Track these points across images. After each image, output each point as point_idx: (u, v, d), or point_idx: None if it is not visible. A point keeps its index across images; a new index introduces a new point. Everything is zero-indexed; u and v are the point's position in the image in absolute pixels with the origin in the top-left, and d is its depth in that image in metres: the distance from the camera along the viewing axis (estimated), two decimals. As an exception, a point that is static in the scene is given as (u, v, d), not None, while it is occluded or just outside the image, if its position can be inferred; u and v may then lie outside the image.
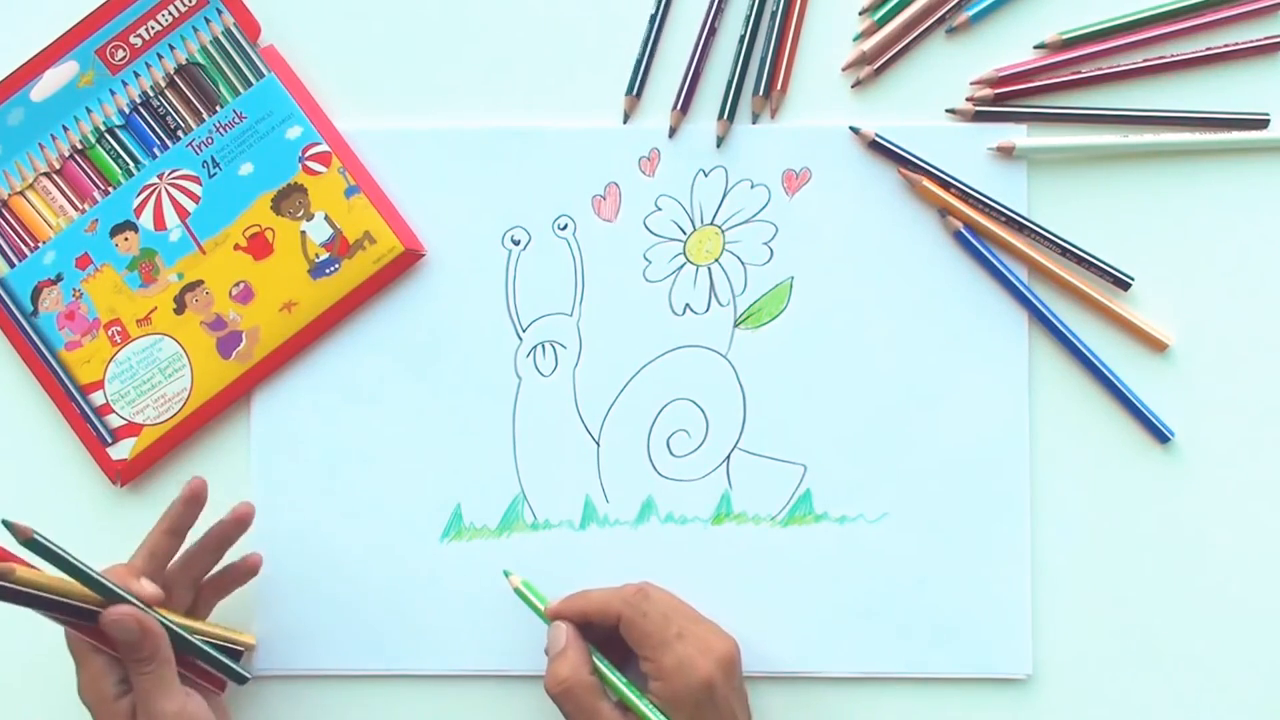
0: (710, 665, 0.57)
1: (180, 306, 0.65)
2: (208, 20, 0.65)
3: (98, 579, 0.55)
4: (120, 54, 0.65)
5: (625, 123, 0.66)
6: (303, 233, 0.65)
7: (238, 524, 0.61)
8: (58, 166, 0.65)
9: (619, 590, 0.60)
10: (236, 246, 0.65)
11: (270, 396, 0.65)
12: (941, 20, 0.65)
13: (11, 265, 0.65)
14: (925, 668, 0.64)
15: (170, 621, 0.58)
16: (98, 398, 0.65)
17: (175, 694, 0.56)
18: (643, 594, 0.59)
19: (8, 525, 0.52)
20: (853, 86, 0.66)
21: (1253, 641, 0.64)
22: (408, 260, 0.65)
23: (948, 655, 0.63)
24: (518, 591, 0.61)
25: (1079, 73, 0.65)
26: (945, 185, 0.64)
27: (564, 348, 0.65)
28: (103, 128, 0.65)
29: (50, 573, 0.55)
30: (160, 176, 0.65)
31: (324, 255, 0.64)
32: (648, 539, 0.64)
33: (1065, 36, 0.65)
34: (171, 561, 0.60)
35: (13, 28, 0.66)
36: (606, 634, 0.60)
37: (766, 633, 0.64)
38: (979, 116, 0.65)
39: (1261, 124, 0.65)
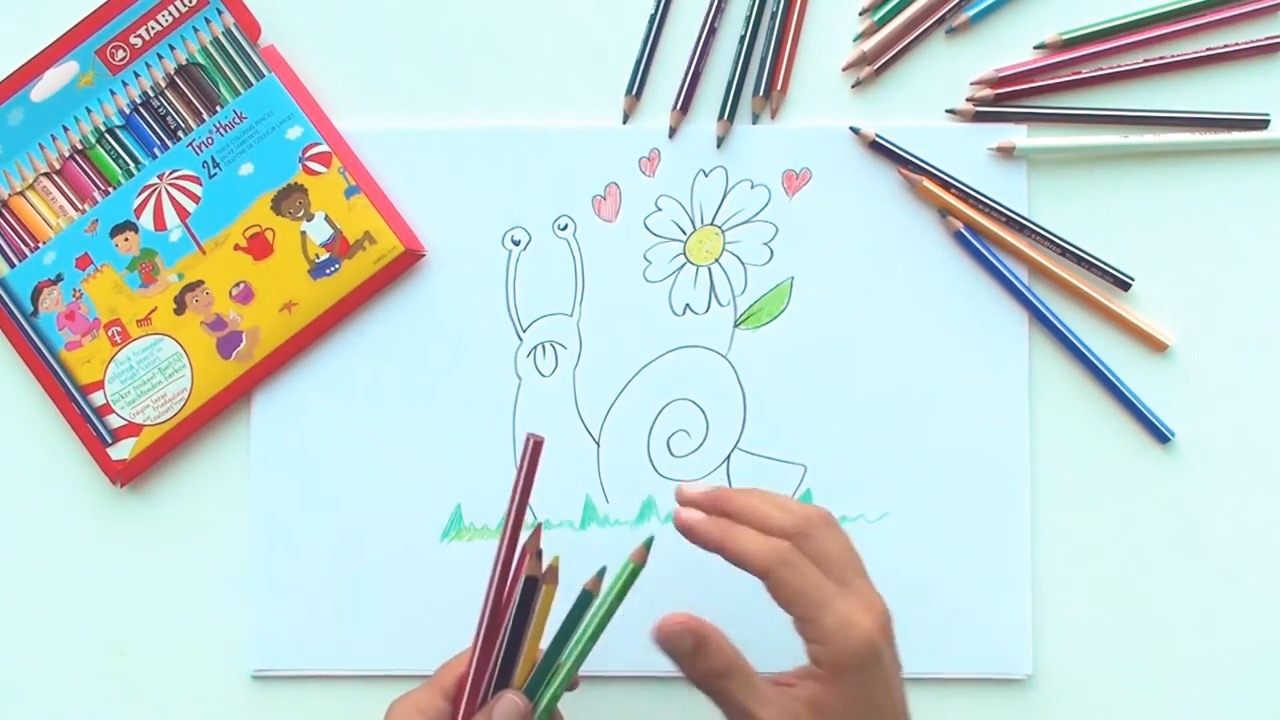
0: (873, 624, 0.50)
1: (180, 307, 0.65)
2: (208, 20, 0.65)
3: (544, 677, 0.53)
4: (120, 54, 0.65)
5: (625, 123, 0.66)
6: (303, 233, 0.65)
7: None
8: (58, 166, 0.65)
9: (768, 543, 0.52)
10: (236, 247, 0.65)
11: (270, 396, 0.65)
12: (941, 20, 0.65)
13: (11, 265, 0.65)
14: (925, 668, 0.64)
15: None
16: (98, 398, 0.65)
17: None
18: (794, 553, 0.51)
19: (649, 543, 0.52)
20: (853, 86, 0.66)
21: (1253, 641, 0.64)
22: (408, 260, 0.65)
23: (948, 655, 0.63)
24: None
25: (1079, 73, 0.65)
26: (945, 185, 0.64)
27: (564, 348, 0.65)
28: (103, 128, 0.65)
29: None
30: (160, 177, 0.65)
31: (324, 255, 0.64)
32: (648, 539, 0.64)
33: (1065, 36, 0.65)
34: None
35: (13, 28, 0.66)
36: None
37: (767, 633, 0.64)
38: (979, 117, 0.65)
39: (1261, 124, 0.65)
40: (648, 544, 0.52)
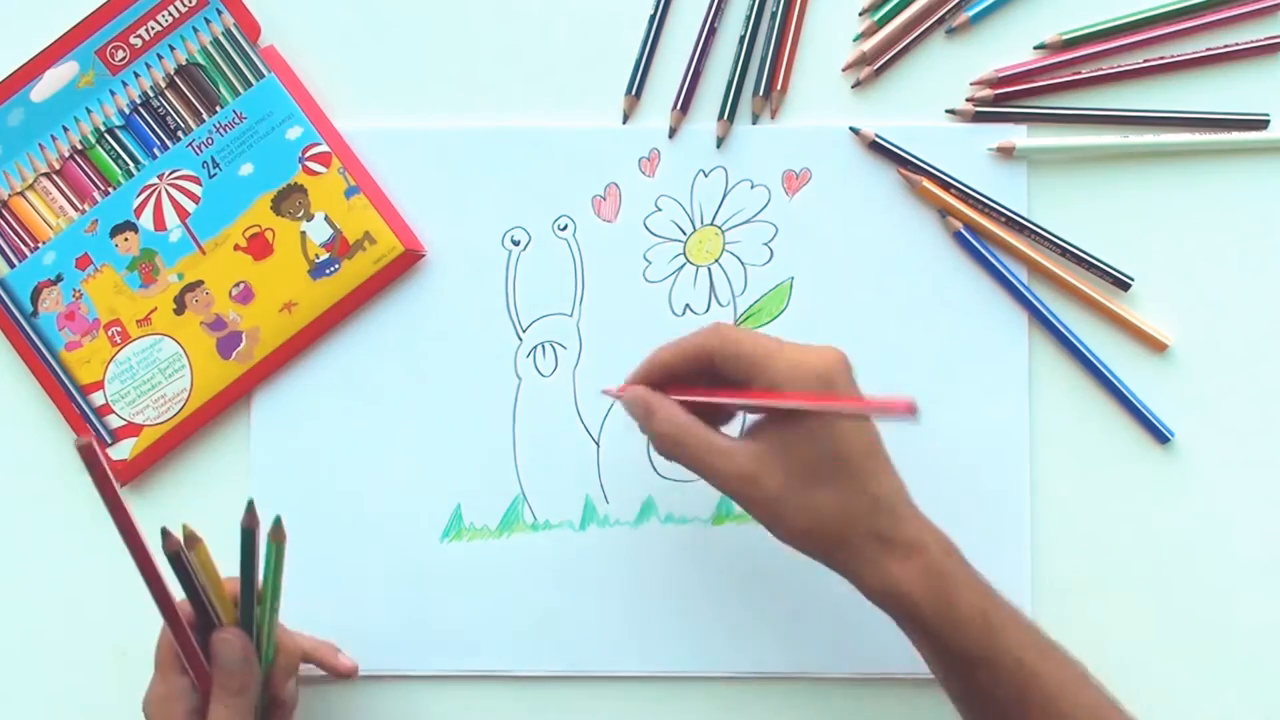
0: (824, 358, 0.53)
1: (180, 307, 0.65)
2: (208, 21, 0.65)
3: (253, 607, 0.56)
4: (120, 54, 0.65)
5: (625, 123, 0.66)
6: (303, 233, 0.65)
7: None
8: (58, 167, 0.65)
9: (696, 334, 0.56)
10: (236, 247, 0.65)
11: (270, 396, 0.65)
12: (941, 20, 0.65)
13: (11, 265, 0.65)
14: (925, 668, 0.64)
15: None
16: (98, 398, 0.65)
17: None
18: (723, 326, 0.55)
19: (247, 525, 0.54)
20: (853, 87, 0.66)
21: (1253, 642, 0.64)
22: (408, 260, 0.65)
23: (948, 655, 0.63)
24: None
25: (1079, 73, 0.65)
26: (945, 185, 0.64)
27: (564, 348, 0.65)
28: (103, 128, 0.65)
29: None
30: (160, 177, 0.65)
31: (324, 255, 0.64)
32: (648, 539, 0.64)
33: (1065, 37, 0.65)
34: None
35: (13, 28, 0.66)
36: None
37: (766, 633, 0.64)
38: (979, 117, 0.65)
39: (1261, 124, 0.65)
40: (276, 521, 0.55)
